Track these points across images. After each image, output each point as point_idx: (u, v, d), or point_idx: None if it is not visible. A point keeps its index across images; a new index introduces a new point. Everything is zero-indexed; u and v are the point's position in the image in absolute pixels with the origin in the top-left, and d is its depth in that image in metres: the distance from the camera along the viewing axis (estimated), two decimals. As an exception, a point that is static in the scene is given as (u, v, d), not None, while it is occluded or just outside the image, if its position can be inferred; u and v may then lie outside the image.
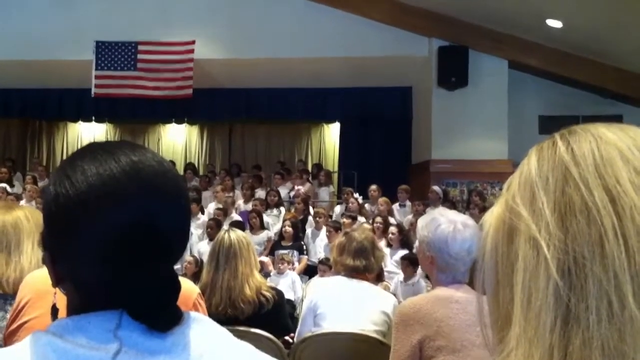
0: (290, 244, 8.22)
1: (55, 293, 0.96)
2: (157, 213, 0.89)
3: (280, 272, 6.97)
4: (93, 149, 0.94)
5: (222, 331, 0.94)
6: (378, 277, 5.74)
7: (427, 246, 2.51)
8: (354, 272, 3.48)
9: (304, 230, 9.04)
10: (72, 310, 0.92)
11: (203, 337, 0.90)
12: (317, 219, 8.89)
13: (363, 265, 3.48)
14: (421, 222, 2.62)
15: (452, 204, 9.24)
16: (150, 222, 0.88)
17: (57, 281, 0.95)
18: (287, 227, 8.32)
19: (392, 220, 8.74)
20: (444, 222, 2.49)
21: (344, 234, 3.70)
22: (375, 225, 7.98)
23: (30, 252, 2.40)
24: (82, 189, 0.89)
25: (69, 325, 0.87)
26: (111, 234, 0.87)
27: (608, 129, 0.69)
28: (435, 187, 10.39)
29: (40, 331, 0.88)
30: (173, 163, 13.05)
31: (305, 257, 8.24)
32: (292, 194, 10.99)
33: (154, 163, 0.93)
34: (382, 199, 9.43)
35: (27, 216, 2.45)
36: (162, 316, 0.87)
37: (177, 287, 0.90)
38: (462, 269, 2.48)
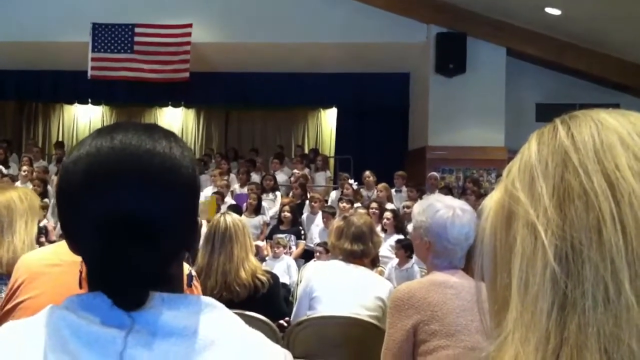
0: (288, 228, 8.23)
1: (81, 262, 0.95)
2: (135, 196, 0.87)
3: (275, 256, 6.99)
4: (106, 127, 0.96)
5: (235, 318, 0.94)
6: (372, 262, 5.75)
7: (425, 231, 2.50)
8: (351, 257, 3.48)
9: (302, 215, 9.06)
10: (88, 283, 0.93)
11: (216, 323, 0.90)
12: (313, 203, 8.92)
13: (361, 250, 3.48)
14: (418, 207, 2.61)
15: (448, 190, 9.27)
16: (124, 203, 0.87)
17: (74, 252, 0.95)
18: (285, 212, 8.34)
19: (391, 205, 8.76)
20: (442, 208, 2.48)
21: (343, 218, 3.70)
22: (370, 210, 7.99)
23: (23, 232, 2.41)
24: (71, 160, 0.91)
25: (83, 301, 0.87)
26: (88, 209, 0.87)
27: (609, 115, 0.69)
28: (434, 173, 10.43)
29: (55, 306, 0.88)
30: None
31: (303, 241, 8.25)
32: (292, 179, 11.00)
33: (149, 146, 0.91)
34: (381, 185, 9.49)
35: (20, 197, 2.46)
36: (126, 298, 0.86)
37: (152, 274, 0.87)
38: (459, 254, 2.49)
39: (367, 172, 10.21)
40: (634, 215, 0.61)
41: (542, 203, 0.65)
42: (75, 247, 0.93)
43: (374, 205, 8.21)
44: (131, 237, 0.86)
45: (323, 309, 3.37)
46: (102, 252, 0.86)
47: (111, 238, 0.86)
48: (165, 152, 0.92)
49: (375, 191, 9.51)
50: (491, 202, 0.74)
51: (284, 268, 6.78)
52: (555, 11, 10.26)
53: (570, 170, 0.65)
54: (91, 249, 0.88)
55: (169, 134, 0.97)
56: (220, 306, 0.94)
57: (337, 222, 3.78)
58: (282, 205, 8.76)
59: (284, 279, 6.24)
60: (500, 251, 0.70)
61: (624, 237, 0.60)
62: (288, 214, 8.29)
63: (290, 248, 7.59)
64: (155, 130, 0.96)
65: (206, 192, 9.99)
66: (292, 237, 8.08)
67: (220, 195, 9.32)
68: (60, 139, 15.27)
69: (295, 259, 7.50)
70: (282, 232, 8.09)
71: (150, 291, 0.87)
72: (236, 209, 7.93)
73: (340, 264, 3.48)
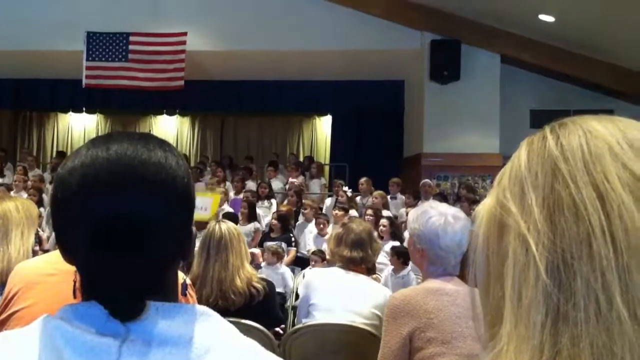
0: (278, 235, 8.22)
1: (75, 272, 0.96)
2: (131, 206, 0.88)
3: (270, 264, 6.97)
4: (100, 137, 0.96)
5: (230, 327, 0.94)
6: (369, 271, 5.74)
7: (418, 239, 2.51)
8: (350, 264, 3.47)
9: (297, 222, 9.04)
10: (82, 293, 0.93)
11: (211, 332, 0.89)
12: (306, 210, 8.90)
13: (360, 257, 3.47)
14: (412, 215, 2.62)
15: (442, 197, 9.27)
16: (120, 213, 0.87)
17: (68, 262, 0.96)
18: (274, 220, 8.34)
19: (387, 212, 8.76)
20: (434, 215, 2.48)
21: (342, 225, 3.69)
22: (365, 217, 7.99)
23: (19, 242, 2.41)
24: (66, 170, 0.91)
25: (77, 311, 0.87)
26: (83, 219, 0.87)
27: (599, 122, 0.68)
28: (427, 180, 10.43)
29: (49, 315, 0.88)
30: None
31: (294, 249, 8.24)
32: (287, 186, 10.99)
33: (144, 156, 0.91)
34: (377, 192, 9.50)
35: (17, 207, 2.46)
36: (123, 307, 0.86)
37: (147, 284, 0.88)
38: (452, 261, 2.49)
39: (363, 179, 10.22)
40: (624, 227, 0.60)
41: (533, 215, 0.65)
42: (69, 257, 0.93)
43: (369, 212, 8.21)
44: (126, 247, 0.86)
45: (320, 316, 3.36)
46: (96, 262, 0.86)
47: (106, 248, 0.86)
48: (161, 162, 0.92)
49: (371, 198, 9.51)
50: (483, 210, 0.73)
51: (280, 276, 6.76)
52: (549, 18, 10.29)
53: (559, 181, 0.65)
54: (86, 259, 0.88)
55: (163, 144, 0.97)
56: (215, 315, 0.94)
57: (336, 229, 3.78)
58: (276, 212, 8.76)
59: (279, 286, 6.22)
60: (492, 261, 0.70)
61: (614, 249, 0.60)
62: (276, 222, 8.29)
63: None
64: (150, 139, 0.96)
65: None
66: (284, 244, 8.06)
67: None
68: (54, 148, 15.25)
69: (287, 266, 7.47)
70: (273, 239, 8.08)
71: (145, 300, 0.87)
72: (232, 216, 7.92)
73: (340, 272, 3.47)
